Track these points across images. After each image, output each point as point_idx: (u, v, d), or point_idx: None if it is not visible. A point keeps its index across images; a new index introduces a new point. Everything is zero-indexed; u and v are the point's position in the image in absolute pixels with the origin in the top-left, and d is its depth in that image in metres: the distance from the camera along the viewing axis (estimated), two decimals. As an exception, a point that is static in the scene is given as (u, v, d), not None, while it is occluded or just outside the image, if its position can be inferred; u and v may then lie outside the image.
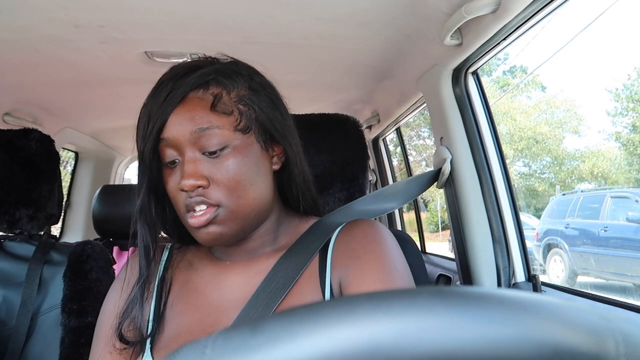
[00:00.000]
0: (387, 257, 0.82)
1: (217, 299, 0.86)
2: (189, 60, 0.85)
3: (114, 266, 1.48)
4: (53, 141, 1.46)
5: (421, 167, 17.21)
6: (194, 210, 0.79)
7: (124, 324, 0.86)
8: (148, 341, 0.85)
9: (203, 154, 0.79)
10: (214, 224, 0.80)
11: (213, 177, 0.79)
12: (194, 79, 0.80)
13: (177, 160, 0.81)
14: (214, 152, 0.79)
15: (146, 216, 0.86)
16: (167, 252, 0.97)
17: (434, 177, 1.61)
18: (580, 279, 8.36)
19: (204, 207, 0.79)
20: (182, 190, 0.79)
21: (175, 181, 0.81)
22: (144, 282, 0.88)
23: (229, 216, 0.80)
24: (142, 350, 0.85)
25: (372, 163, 2.98)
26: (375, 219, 1.02)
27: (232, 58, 0.88)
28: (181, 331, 0.84)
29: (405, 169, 3.17)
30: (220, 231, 0.80)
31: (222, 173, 0.79)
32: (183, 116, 0.79)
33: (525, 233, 1.71)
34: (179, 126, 0.78)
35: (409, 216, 3.49)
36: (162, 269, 0.93)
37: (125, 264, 0.96)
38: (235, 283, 0.87)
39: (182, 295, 0.89)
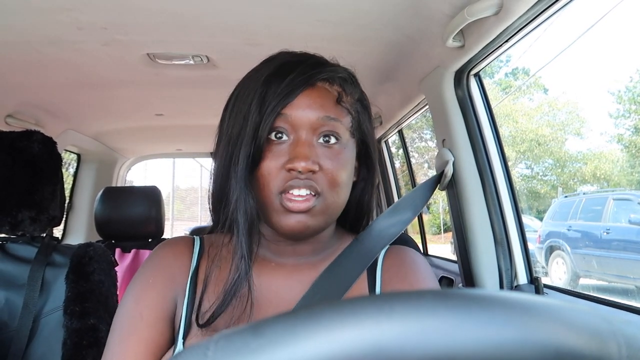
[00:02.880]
0: (433, 287, 0.87)
1: (259, 300, 0.84)
2: (305, 52, 0.88)
3: (116, 268, 1.48)
4: (55, 143, 1.46)
5: (423, 169, 17.22)
6: (292, 194, 0.78)
7: (218, 311, 0.81)
8: (181, 335, 0.82)
9: (317, 140, 0.81)
10: (309, 213, 0.79)
11: (323, 165, 0.79)
12: (325, 71, 0.82)
13: (283, 139, 0.80)
14: (328, 142, 0.81)
15: (251, 189, 0.81)
16: (199, 246, 0.92)
17: (437, 180, 1.61)
18: (583, 281, 8.36)
19: (305, 192, 0.78)
20: (291, 170, 0.78)
21: (280, 159, 0.79)
22: (247, 262, 0.81)
23: (323, 209, 0.80)
24: (175, 343, 0.82)
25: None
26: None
27: (338, 63, 0.90)
28: (218, 328, 0.81)
29: (407, 171, 3.17)
30: (310, 223, 0.80)
31: (332, 164, 0.80)
32: (314, 100, 0.80)
33: (528, 235, 1.70)
34: (307, 107, 0.79)
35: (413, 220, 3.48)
36: (195, 263, 0.89)
37: (152, 257, 0.91)
38: (278, 287, 0.86)
39: (220, 291, 0.84)
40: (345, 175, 0.82)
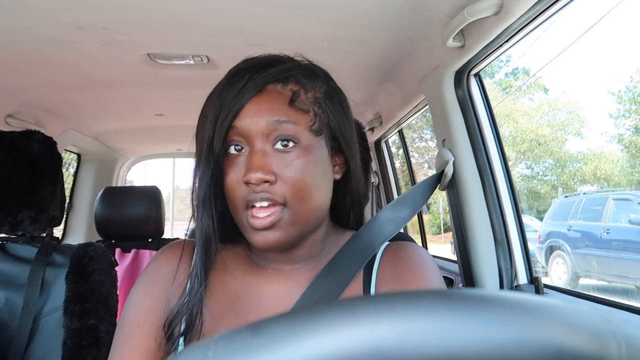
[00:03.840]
0: (432, 286, 0.84)
1: (257, 308, 0.84)
2: (266, 54, 0.84)
3: (116, 268, 1.48)
4: (55, 143, 1.46)
5: (423, 169, 17.22)
6: (255, 208, 0.76)
7: (175, 322, 0.82)
8: (181, 340, 0.82)
9: (273, 147, 0.77)
10: (276, 228, 0.76)
11: (281, 174, 0.76)
12: (274, 72, 0.78)
13: (242, 151, 0.78)
14: (286, 148, 0.77)
15: (210, 208, 0.81)
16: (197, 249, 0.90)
17: (437, 179, 1.61)
18: (583, 281, 8.36)
19: (266, 204, 0.75)
20: (247, 183, 0.75)
21: (238, 173, 0.77)
22: (200, 280, 0.84)
23: (292, 219, 0.77)
24: (175, 349, 0.82)
25: (374, 165, 2.99)
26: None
27: (308, 60, 0.86)
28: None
29: (407, 171, 3.17)
30: (279, 237, 0.77)
31: (291, 171, 0.76)
32: (261, 106, 0.77)
33: (528, 235, 1.70)
34: (255, 115, 0.76)
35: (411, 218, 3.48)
36: (193, 266, 0.88)
37: (153, 262, 0.91)
38: (276, 292, 0.85)
39: (219, 298, 0.85)
40: (312, 178, 0.78)
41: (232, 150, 0.78)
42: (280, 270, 0.87)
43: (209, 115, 0.79)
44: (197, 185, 0.81)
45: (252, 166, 0.75)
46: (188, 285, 0.85)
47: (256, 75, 0.77)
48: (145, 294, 0.87)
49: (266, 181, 0.74)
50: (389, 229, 0.98)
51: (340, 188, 0.88)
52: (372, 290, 0.85)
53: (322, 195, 0.81)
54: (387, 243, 0.91)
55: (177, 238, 1.23)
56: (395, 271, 0.85)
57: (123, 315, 0.86)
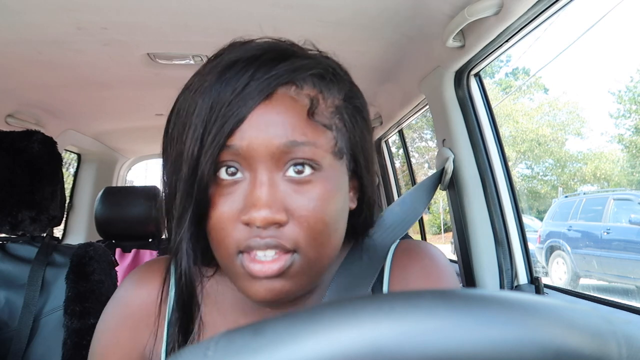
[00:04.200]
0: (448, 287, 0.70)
1: None
2: (267, 40, 0.62)
3: (117, 268, 1.48)
4: (55, 143, 1.46)
5: (423, 169, 17.22)
6: (256, 254, 0.56)
7: None
8: None
9: (285, 175, 0.57)
10: (283, 277, 0.57)
11: (295, 212, 0.56)
12: (287, 70, 0.57)
13: (238, 177, 0.57)
14: (301, 176, 0.57)
15: (191, 254, 0.61)
16: (175, 278, 0.69)
17: (438, 178, 1.61)
18: (583, 281, 8.36)
19: (271, 253, 0.56)
20: (248, 224, 0.55)
21: (232, 207, 0.57)
22: (184, 328, 0.67)
23: (304, 268, 0.58)
24: None
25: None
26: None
27: (317, 49, 0.64)
28: None
29: (407, 171, 3.17)
30: (288, 288, 0.58)
31: (309, 207, 0.56)
32: (271, 119, 0.56)
33: (528, 235, 1.70)
34: (262, 132, 0.55)
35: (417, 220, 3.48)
36: (172, 300, 0.71)
37: (123, 290, 0.74)
38: None
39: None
40: (334, 215, 0.59)
41: (223, 174, 0.57)
42: (282, 309, 0.67)
43: (191, 123, 0.57)
44: (173, 225, 0.61)
45: (257, 202, 0.54)
46: (166, 332, 0.69)
47: (262, 71, 0.56)
48: (110, 348, 0.71)
49: (276, 223, 0.55)
50: (396, 232, 0.89)
51: (354, 216, 0.68)
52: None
53: (340, 235, 0.63)
54: (393, 248, 0.76)
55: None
56: (408, 273, 0.71)
57: (92, 350, 0.72)
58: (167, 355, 0.68)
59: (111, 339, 0.71)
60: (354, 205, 0.67)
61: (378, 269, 0.72)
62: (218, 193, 0.57)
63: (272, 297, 0.57)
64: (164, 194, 0.64)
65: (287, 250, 0.56)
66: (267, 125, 0.55)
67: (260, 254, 0.56)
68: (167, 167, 0.62)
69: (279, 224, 0.55)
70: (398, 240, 0.77)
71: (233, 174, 0.57)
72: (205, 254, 0.63)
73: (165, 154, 0.62)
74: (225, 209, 0.57)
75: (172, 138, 0.60)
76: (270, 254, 0.56)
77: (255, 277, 0.56)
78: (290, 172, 0.57)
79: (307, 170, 0.57)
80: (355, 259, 0.73)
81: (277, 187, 0.56)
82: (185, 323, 0.67)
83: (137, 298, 0.71)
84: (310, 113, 0.57)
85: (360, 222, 0.70)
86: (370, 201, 0.68)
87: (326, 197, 0.58)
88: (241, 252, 0.57)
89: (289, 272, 0.57)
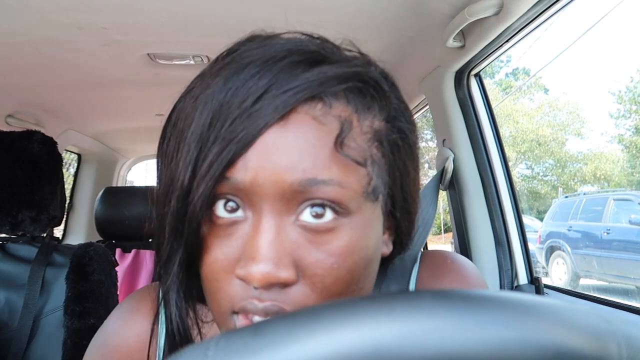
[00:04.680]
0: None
1: None
2: (296, 35, 0.48)
3: (117, 268, 1.48)
4: (56, 143, 1.46)
5: (423, 169, 17.18)
6: (253, 317, 0.44)
7: None
8: None
9: (298, 219, 0.44)
10: None
11: (307, 269, 0.43)
12: (313, 82, 0.43)
13: (239, 215, 0.45)
14: (320, 221, 0.44)
15: (182, 305, 0.51)
16: (164, 317, 0.56)
17: (439, 179, 1.62)
18: (583, 281, 8.36)
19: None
20: (244, 280, 0.43)
21: (230, 254, 0.45)
22: None
23: None
24: None
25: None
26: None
27: (357, 49, 0.53)
28: None
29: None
30: None
31: (326, 264, 0.44)
32: (287, 147, 0.42)
33: (528, 235, 1.70)
34: (272, 164, 0.42)
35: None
36: (162, 346, 0.60)
37: (112, 324, 0.64)
38: None
39: None
40: (360, 268, 0.46)
41: (220, 209, 0.45)
42: None
43: (185, 140, 0.45)
44: (161, 268, 0.50)
45: (257, 254, 0.42)
46: None
47: (281, 81, 0.43)
48: None
49: (279, 283, 0.42)
50: (417, 242, 0.77)
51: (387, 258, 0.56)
52: None
53: (366, 291, 0.49)
54: (417, 262, 0.65)
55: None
56: (437, 285, 0.62)
57: None
58: None
59: None
60: (387, 251, 0.54)
61: (404, 286, 0.62)
62: (213, 234, 0.46)
63: None
64: (153, 225, 0.53)
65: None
66: (279, 155, 0.42)
67: (257, 319, 0.43)
68: (159, 191, 0.50)
69: (285, 284, 0.43)
70: (421, 252, 0.67)
71: (233, 210, 0.45)
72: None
73: (158, 175, 0.51)
74: (220, 256, 0.45)
75: (166, 156, 0.48)
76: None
77: None
78: (306, 217, 0.44)
79: (329, 215, 0.44)
80: (379, 277, 0.60)
81: (286, 236, 0.43)
82: None
83: (123, 338, 0.61)
84: (339, 142, 0.43)
85: (389, 264, 0.59)
86: (404, 246, 0.56)
87: (352, 250, 0.44)
88: (236, 312, 0.45)
89: None
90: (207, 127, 0.43)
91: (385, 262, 0.56)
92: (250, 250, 0.42)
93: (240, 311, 0.44)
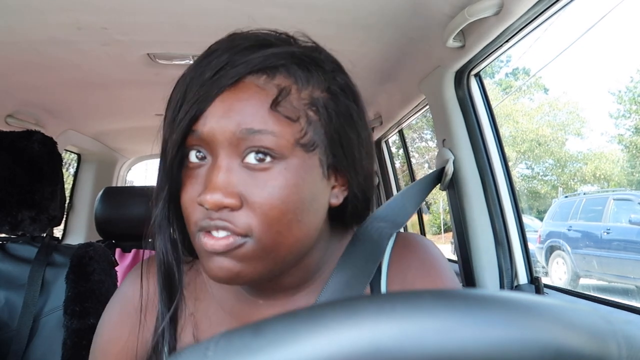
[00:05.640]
0: (447, 283, 0.72)
1: None
2: (258, 30, 0.63)
3: (116, 268, 1.48)
4: (55, 143, 1.46)
5: (423, 169, 17.22)
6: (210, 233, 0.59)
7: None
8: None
9: (243, 161, 0.58)
10: (233, 257, 0.59)
11: (249, 197, 0.57)
12: (257, 59, 0.58)
13: (205, 161, 0.60)
14: (260, 163, 0.58)
15: (167, 230, 0.67)
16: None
17: (437, 178, 1.61)
18: (583, 281, 8.36)
19: (223, 234, 0.58)
20: (202, 204, 0.57)
21: (195, 189, 0.60)
22: (170, 318, 0.70)
23: (257, 253, 0.59)
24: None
25: (375, 165, 2.99)
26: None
27: (312, 41, 0.65)
28: None
29: (407, 171, 3.18)
30: (237, 270, 0.59)
31: (264, 194, 0.57)
32: (230, 106, 0.57)
33: (528, 235, 1.70)
34: (221, 118, 0.57)
35: (411, 218, 3.49)
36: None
37: (126, 285, 0.78)
38: None
39: (205, 330, 0.72)
40: (295, 206, 0.59)
41: (192, 157, 0.61)
42: (273, 302, 0.71)
43: (169, 110, 0.62)
44: (154, 200, 0.66)
45: (209, 185, 0.57)
46: (155, 323, 0.72)
47: (234, 59, 0.58)
48: (117, 325, 0.75)
49: (226, 206, 0.57)
50: (394, 224, 0.84)
51: (339, 208, 0.68)
52: (383, 289, 0.72)
53: (305, 229, 0.62)
54: (392, 241, 0.75)
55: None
56: (407, 281, 0.71)
57: (94, 345, 0.76)
58: (168, 348, 0.70)
59: (113, 334, 0.74)
60: (336, 202, 0.67)
61: (377, 262, 0.71)
62: (187, 175, 0.61)
63: (225, 276, 0.59)
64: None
65: (238, 234, 0.58)
66: (226, 112, 0.57)
67: (214, 232, 0.58)
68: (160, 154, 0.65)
69: (231, 208, 0.57)
70: (396, 234, 0.77)
71: (203, 157, 0.60)
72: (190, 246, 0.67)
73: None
74: (189, 191, 0.60)
75: (163, 126, 0.64)
76: (222, 233, 0.58)
77: (208, 252, 0.59)
78: (250, 159, 0.58)
79: (267, 159, 0.58)
80: (354, 252, 0.73)
81: (233, 173, 0.58)
82: (166, 310, 0.70)
83: (138, 293, 0.74)
84: (274, 103, 0.57)
85: (347, 217, 0.71)
86: (354, 198, 0.68)
87: (286, 186, 0.58)
88: (200, 231, 0.59)
89: (238, 254, 0.58)
90: (182, 95, 0.59)
91: (343, 213, 0.69)
92: (207, 183, 0.57)
93: (201, 229, 0.59)
